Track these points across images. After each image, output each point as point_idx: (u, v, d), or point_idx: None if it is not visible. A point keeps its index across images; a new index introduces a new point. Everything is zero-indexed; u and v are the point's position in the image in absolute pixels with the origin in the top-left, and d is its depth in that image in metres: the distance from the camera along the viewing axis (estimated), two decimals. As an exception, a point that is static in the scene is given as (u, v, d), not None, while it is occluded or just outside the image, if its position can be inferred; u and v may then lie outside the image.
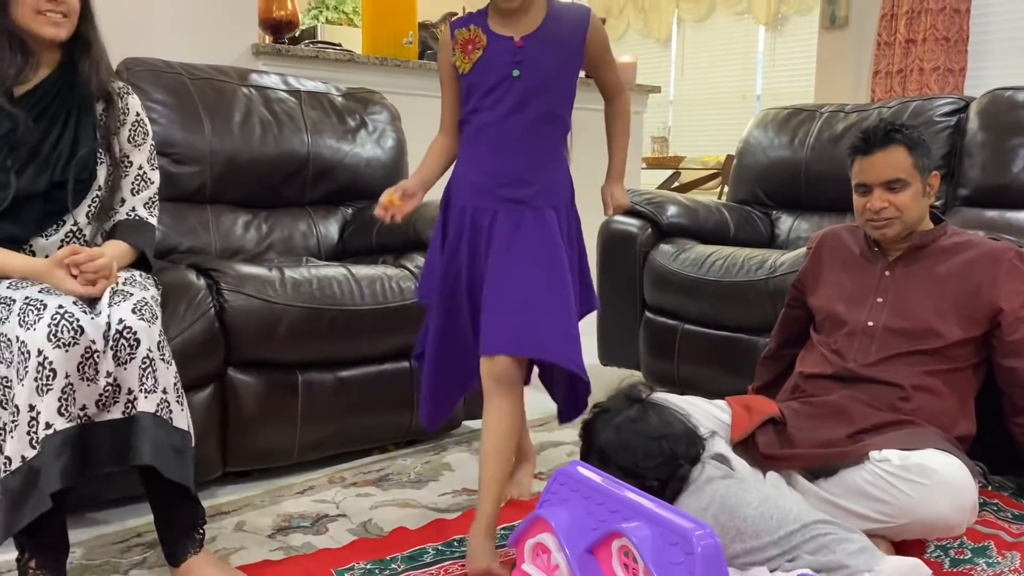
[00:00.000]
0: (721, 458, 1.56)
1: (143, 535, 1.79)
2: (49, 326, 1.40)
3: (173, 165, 2.43)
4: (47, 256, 1.60)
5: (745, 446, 1.78)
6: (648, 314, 2.90)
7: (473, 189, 1.72)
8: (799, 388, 1.99)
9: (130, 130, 1.79)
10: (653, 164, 6.18)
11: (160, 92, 2.45)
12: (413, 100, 3.21)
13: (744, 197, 3.28)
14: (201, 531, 1.60)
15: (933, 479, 1.57)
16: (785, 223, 3.14)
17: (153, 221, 1.82)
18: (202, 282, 1.98)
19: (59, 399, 1.39)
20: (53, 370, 1.39)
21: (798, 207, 3.13)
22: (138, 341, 1.47)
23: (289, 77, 2.78)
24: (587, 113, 4.07)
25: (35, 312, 1.43)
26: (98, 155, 1.72)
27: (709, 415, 1.94)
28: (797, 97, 5.78)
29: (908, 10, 4.75)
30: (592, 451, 1.58)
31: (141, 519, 1.84)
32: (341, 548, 1.75)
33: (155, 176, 1.84)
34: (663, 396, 2.03)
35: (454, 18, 1.75)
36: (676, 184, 5.97)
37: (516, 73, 1.66)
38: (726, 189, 4.68)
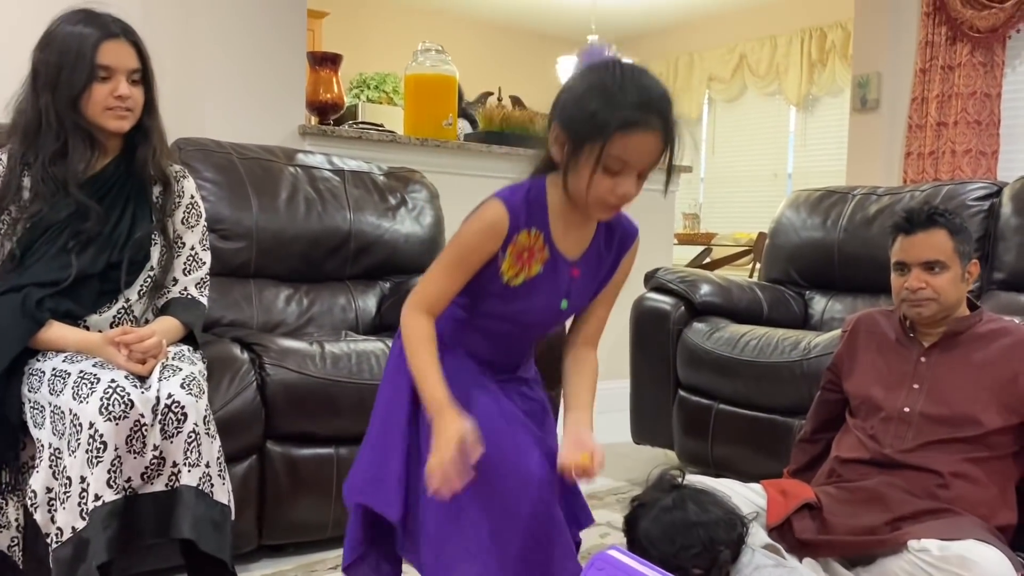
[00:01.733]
0: (773, 548, 1.53)
1: (179, 607, 1.81)
2: (101, 399, 1.45)
3: (220, 241, 2.51)
4: (100, 331, 1.66)
5: (781, 531, 1.76)
6: (682, 392, 2.90)
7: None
8: (835, 473, 1.97)
9: (184, 212, 1.86)
10: (684, 240, 6.23)
11: (210, 170, 2.55)
12: (452, 179, 3.31)
13: (777, 276, 3.30)
14: (237, 605, 1.61)
15: (974, 572, 1.54)
16: (819, 304, 3.15)
17: (204, 300, 1.88)
18: (246, 356, 2.04)
19: (108, 471, 1.43)
20: (104, 442, 1.43)
21: (832, 288, 3.14)
22: (185, 415, 1.51)
23: (334, 157, 2.89)
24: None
25: (88, 386, 1.48)
26: (152, 237, 1.79)
27: (744, 499, 1.93)
28: (829, 176, 5.83)
29: (939, 94, 4.81)
30: (635, 545, 1.56)
31: (177, 591, 1.85)
32: (374, 626, 1.74)
33: (207, 257, 1.91)
34: (698, 479, 2.03)
35: (513, 200, 1.38)
36: (707, 260, 6.00)
37: (564, 305, 1.43)
38: (758, 266, 4.70)
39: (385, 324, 2.74)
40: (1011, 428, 1.86)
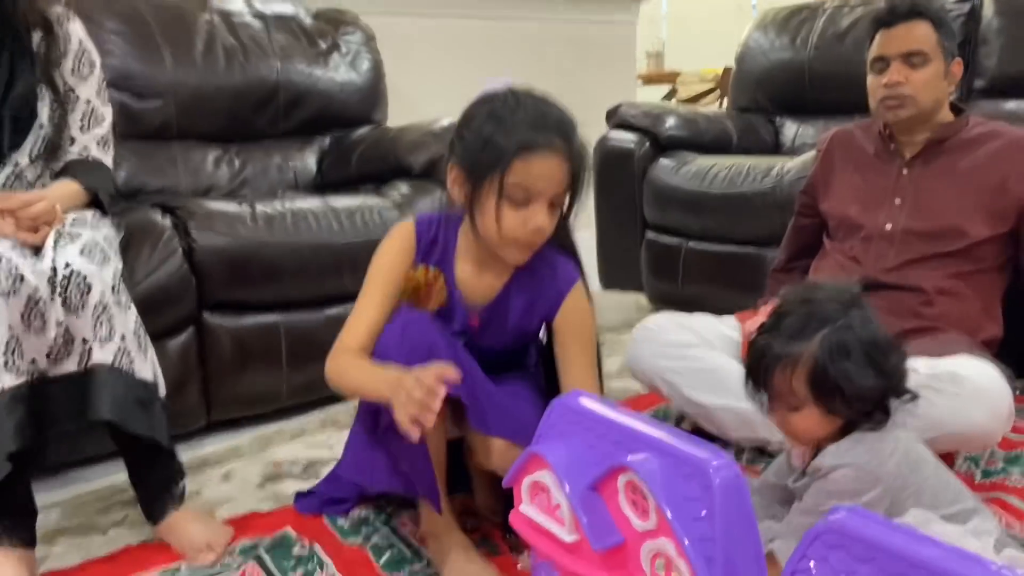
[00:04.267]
0: None
1: (125, 491, 1.69)
2: (-13, 274, 1.27)
3: (133, 100, 2.27)
4: (-14, 201, 1.46)
5: (758, 364, 1.66)
6: (649, 233, 2.76)
7: None
8: (814, 300, 1.86)
9: (73, 60, 1.63)
10: (649, 81, 5.98)
11: (113, 21, 2.28)
12: (390, 20, 3.00)
13: (746, 104, 3.11)
14: (180, 485, 1.49)
15: (966, 388, 1.44)
16: (790, 129, 2.98)
17: (108, 161, 1.67)
18: (167, 221, 1.85)
19: (4, 353, 1.27)
20: (-5, 322, 1.26)
21: (803, 111, 2.97)
22: (89, 286, 1.34)
23: (254, 0, 2.60)
24: (587, 26, 3.88)
25: (-30, 260, 1.29)
26: (38, 90, 1.56)
27: (718, 334, 1.83)
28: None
29: (912, -102, 4.49)
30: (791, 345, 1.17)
31: (124, 475, 1.73)
32: (334, 494, 1.64)
33: (107, 111, 1.68)
34: (669, 315, 1.91)
35: (425, 223, 1.39)
36: (674, 100, 5.78)
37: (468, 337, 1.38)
38: (725, 103, 4.49)
39: (328, 182, 2.54)
40: (997, 238, 1.75)
